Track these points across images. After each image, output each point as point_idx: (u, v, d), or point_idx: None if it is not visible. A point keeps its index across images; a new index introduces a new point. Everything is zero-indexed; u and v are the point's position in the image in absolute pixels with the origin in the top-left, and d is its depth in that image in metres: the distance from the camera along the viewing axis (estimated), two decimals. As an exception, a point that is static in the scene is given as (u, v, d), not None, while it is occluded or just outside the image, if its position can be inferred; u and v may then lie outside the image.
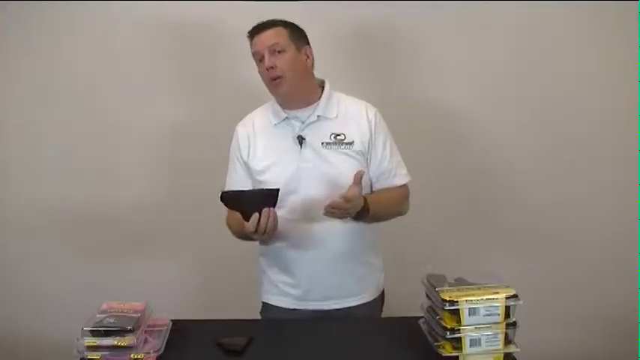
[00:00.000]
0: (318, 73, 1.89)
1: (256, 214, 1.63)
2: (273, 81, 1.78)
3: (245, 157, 1.87)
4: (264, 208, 1.63)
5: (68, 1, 2.42)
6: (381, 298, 1.96)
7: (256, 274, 2.00)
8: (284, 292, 1.88)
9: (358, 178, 1.68)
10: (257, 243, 1.89)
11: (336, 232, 1.79)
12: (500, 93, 2.55)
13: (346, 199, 1.64)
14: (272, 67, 1.75)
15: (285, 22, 1.81)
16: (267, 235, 1.68)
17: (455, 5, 2.44)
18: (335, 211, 1.65)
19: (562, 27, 2.50)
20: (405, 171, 1.90)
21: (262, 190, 1.68)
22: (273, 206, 1.64)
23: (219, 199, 1.66)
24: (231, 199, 1.67)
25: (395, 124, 1.92)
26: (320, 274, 1.82)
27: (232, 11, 2.40)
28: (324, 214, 1.66)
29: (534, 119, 2.57)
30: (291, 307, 1.87)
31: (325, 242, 1.80)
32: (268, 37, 1.76)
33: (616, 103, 2.52)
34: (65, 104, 2.52)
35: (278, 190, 1.64)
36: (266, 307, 1.94)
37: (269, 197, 1.63)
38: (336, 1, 2.42)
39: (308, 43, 1.84)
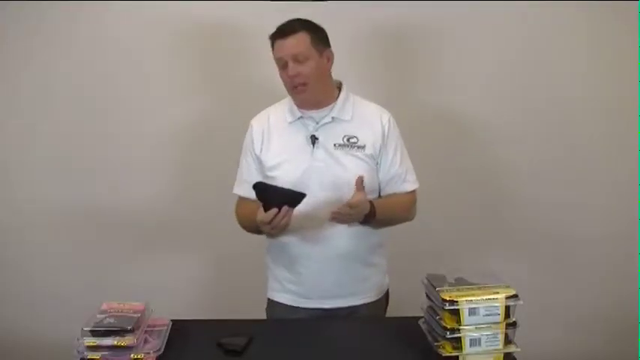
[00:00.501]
0: (332, 73, 1.88)
1: (275, 209, 1.65)
2: (295, 88, 1.79)
3: (258, 151, 1.87)
4: (285, 206, 1.65)
5: (68, 0, 2.41)
6: (385, 298, 1.96)
7: (258, 273, 2.00)
8: (287, 289, 1.89)
9: (359, 184, 1.70)
10: (264, 240, 1.91)
11: (342, 232, 1.80)
12: (501, 93, 2.54)
13: (351, 205, 1.66)
14: (296, 75, 1.76)
15: (308, 25, 1.79)
16: (276, 231, 1.70)
17: (459, 5, 2.43)
18: (340, 217, 1.67)
19: (562, 27, 2.50)
20: (414, 177, 1.91)
21: (293, 191, 1.69)
22: (294, 207, 1.67)
23: (251, 187, 1.71)
24: (262, 190, 1.70)
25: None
26: (323, 273, 1.83)
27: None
28: (330, 220, 1.69)
29: (535, 119, 2.56)
30: (294, 304, 1.88)
31: (330, 242, 1.81)
32: (292, 45, 1.75)
33: (615, 103, 2.52)
34: (65, 104, 2.52)
35: (305, 195, 1.65)
36: (271, 303, 1.95)
37: (295, 199, 1.66)
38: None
39: (329, 45, 1.83)
